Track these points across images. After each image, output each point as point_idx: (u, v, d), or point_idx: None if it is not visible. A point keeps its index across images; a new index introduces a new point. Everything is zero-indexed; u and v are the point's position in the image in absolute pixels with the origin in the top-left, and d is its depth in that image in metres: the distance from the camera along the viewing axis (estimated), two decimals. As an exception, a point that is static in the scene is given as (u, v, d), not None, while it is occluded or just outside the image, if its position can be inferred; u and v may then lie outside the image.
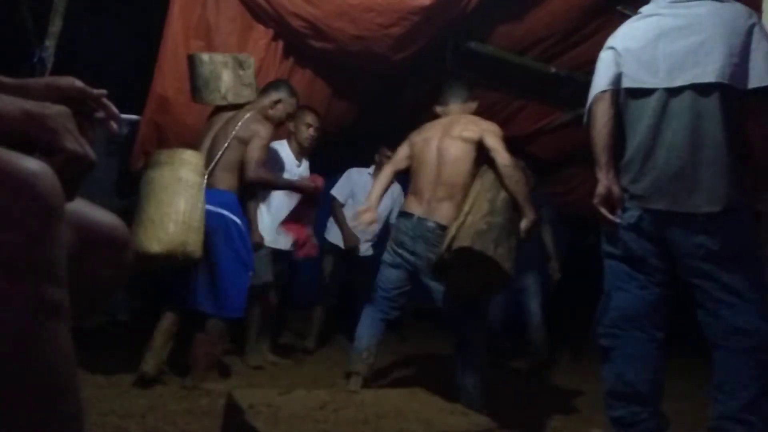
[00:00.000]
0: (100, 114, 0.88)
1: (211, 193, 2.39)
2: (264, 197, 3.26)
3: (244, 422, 1.36)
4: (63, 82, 0.83)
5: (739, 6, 1.77)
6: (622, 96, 1.83)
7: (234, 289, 2.41)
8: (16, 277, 0.55)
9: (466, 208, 2.25)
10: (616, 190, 1.81)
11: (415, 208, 2.43)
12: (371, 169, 3.88)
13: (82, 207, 0.79)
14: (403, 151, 2.61)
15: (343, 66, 3.29)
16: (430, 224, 2.37)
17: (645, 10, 1.88)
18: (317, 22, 2.92)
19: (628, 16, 3.01)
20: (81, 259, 0.76)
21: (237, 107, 2.67)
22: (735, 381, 1.65)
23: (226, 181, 2.48)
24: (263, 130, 2.50)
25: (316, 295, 3.84)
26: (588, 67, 3.51)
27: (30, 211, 0.56)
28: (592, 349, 4.26)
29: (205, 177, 2.38)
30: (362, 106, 3.83)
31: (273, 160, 3.34)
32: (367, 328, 2.50)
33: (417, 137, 2.58)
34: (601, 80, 1.85)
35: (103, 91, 0.87)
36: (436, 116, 2.65)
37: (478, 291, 2.32)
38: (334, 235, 3.81)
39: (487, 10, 2.97)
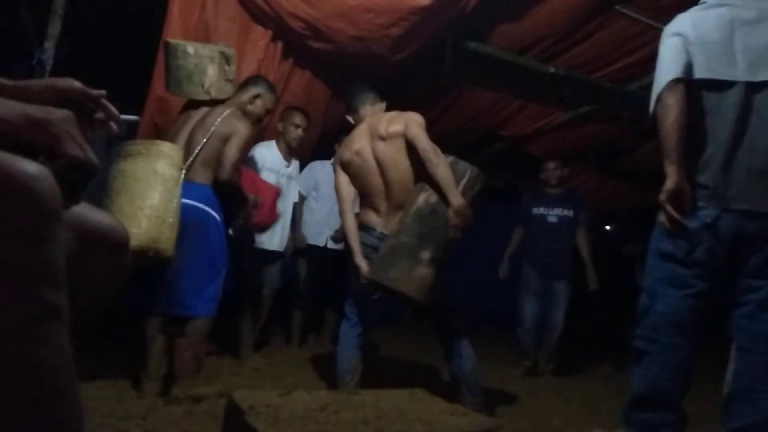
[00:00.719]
0: (100, 115, 0.88)
1: (190, 187, 2.29)
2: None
3: (245, 423, 1.36)
4: (62, 83, 0.84)
5: None
6: (695, 88, 1.72)
7: (210, 287, 2.32)
8: (16, 280, 0.55)
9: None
10: (687, 187, 1.69)
11: (376, 223, 2.36)
12: (333, 160, 3.71)
13: (81, 209, 0.79)
14: (343, 179, 2.45)
15: (342, 67, 3.29)
16: None
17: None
18: (316, 23, 2.92)
19: (628, 16, 3.04)
20: (80, 261, 0.76)
21: (215, 101, 2.55)
22: (760, 389, 1.62)
23: (205, 175, 2.38)
24: (243, 128, 2.39)
25: (290, 300, 3.78)
26: (588, 67, 3.54)
27: (29, 214, 0.56)
28: (593, 349, 4.26)
29: (183, 171, 2.26)
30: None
31: (261, 161, 3.38)
32: (347, 348, 2.40)
33: (346, 155, 2.44)
34: (672, 67, 1.72)
35: (103, 92, 0.87)
36: (352, 128, 2.56)
37: (416, 300, 2.20)
38: (307, 233, 3.74)
39: (486, 10, 2.97)
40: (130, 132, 3.17)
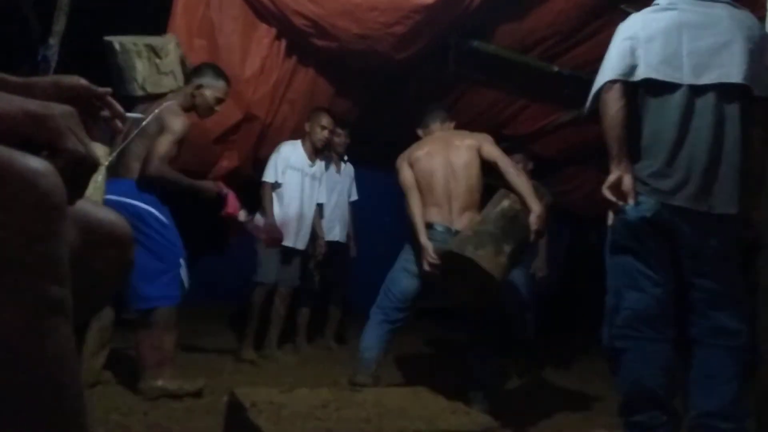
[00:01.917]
0: (105, 112, 0.88)
1: (115, 182, 2.26)
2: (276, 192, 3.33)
3: (247, 420, 1.36)
4: (67, 80, 0.84)
5: (750, 14, 1.82)
6: (641, 87, 1.78)
7: (162, 278, 2.27)
8: (19, 275, 0.56)
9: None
10: (627, 180, 1.75)
11: (442, 220, 2.47)
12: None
13: (84, 205, 0.79)
14: (407, 172, 2.57)
15: (345, 65, 3.29)
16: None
17: (661, 2, 1.85)
18: (320, 21, 2.92)
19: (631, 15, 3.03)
20: (84, 257, 0.76)
21: (156, 96, 2.49)
22: (718, 378, 1.68)
23: (133, 170, 2.31)
24: (177, 124, 2.30)
25: (299, 296, 3.74)
26: (592, 66, 3.51)
27: (33, 210, 0.56)
28: (593, 349, 4.25)
29: (102, 167, 2.15)
30: (365, 105, 3.83)
31: (285, 159, 3.40)
32: (377, 338, 2.45)
33: (417, 152, 2.59)
34: (612, 68, 1.80)
35: (108, 90, 0.88)
36: (417, 137, 2.76)
37: (474, 297, 2.35)
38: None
39: (489, 9, 2.97)
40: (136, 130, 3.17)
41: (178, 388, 2.22)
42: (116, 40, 2.50)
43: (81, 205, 0.72)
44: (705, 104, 1.73)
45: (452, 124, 2.79)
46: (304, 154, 3.48)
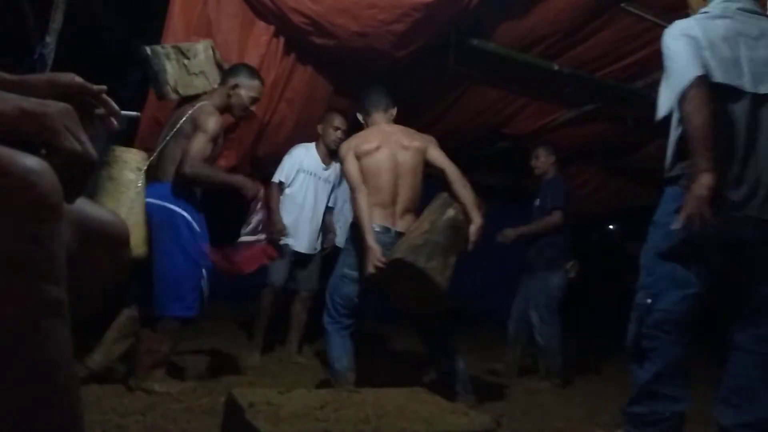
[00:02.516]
0: (101, 110, 0.88)
1: (154, 186, 2.30)
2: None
3: (245, 421, 1.35)
4: (63, 78, 0.83)
5: None
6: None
7: (184, 287, 2.29)
8: (16, 275, 0.55)
9: (409, 232, 2.36)
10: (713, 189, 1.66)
11: (383, 220, 2.43)
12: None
13: (81, 205, 0.78)
14: (354, 165, 2.47)
15: (344, 63, 3.28)
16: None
17: (712, 10, 1.82)
18: (319, 19, 2.90)
19: (633, 13, 3.02)
20: (81, 256, 0.75)
21: (191, 98, 2.52)
22: (759, 388, 1.70)
23: (170, 173, 2.35)
24: (210, 123, 2.33)
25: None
26: (592, 65, 3.52)
27: (30, 209, 0.56)
28: (594, 348, 4.25)
29: (141, 172, 2.25)
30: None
31: (298, 162, 3.38)
32: (341, 347, 2.47)
33: (364, 145, 2.49)
34: (693, 64, 1.70)
35: (104, 87, 0.87)
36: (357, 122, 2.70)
37: (416, 306, 2.35)
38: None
39: (490, 7, 2.95)
40: (131, 128, 3.16)
41: (165, 392, 2.23)
42: (149, 47, 2.56)
43: (78, 204, 0.72)
44: (765, 113, 1.74)
45: (394, 111, 2.69)
46: (317, 157, 3.44)
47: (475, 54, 3.34)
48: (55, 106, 0.63)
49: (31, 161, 0.57)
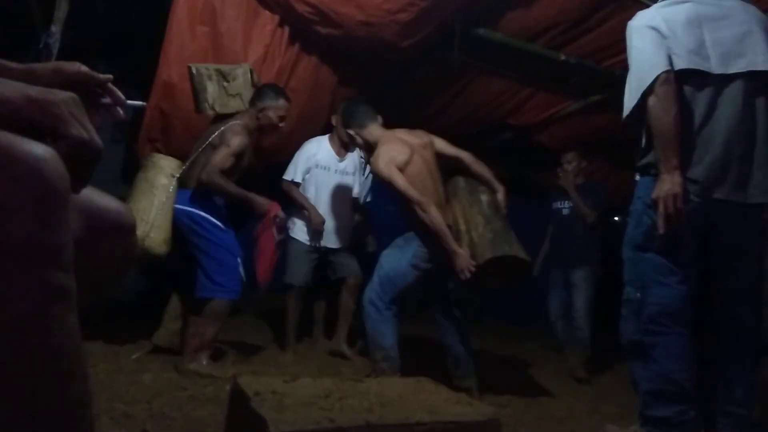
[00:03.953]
0: (106, 99, 0.88)
1: (183, 193, 2.59)
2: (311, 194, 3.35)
3: (250, 409, 1.36)
4: (69, 67, 0.83)
5: (755, 7, 1.84)
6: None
7: (222, 274, 2.53)
8: (24, 263, 0.55)
9: (462, 227, 2.51)
10: (681, 191, 1.67)
11: (447, 220, 2.54)
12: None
13: (88, 193, 0.78)
14: (403, 180, 2.48)
15: (349, 53, 3.26)
16: None
17: None
18: (323, 8, 2.89)
19: (640, 2, 2.98)
20: (87, 244, 0.75)
21: (226, 116, 2.77)
22: (740, 370, 1.73)
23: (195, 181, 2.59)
24: (235, 140, 2.56)
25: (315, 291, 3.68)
26: (599, 55, 3.49)
27: (36, 197, 0.56)
28: (597, 341, 4.26)
29: (174, 178, 2.59)
30: (369, 94, 3.80)
31: (312, 157, 3.37)
32: (394, 333, 2.55)
33: (398, 157, 2.53)
34: (658, 58, 1.72)
35: (109, 77, 0.87)
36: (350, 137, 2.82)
37: (508, 281, 2.56)
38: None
39: (496, -4, 2.93)
40: (137, 117, 3.16)
41: (208, 374, 2.40)
42: (194, 66, 2.80)
43: (85, 192, 0.72)
44: (734, 93, 1.72)
45: (380, 120, 2.82)
46: (331, 150, 3.40)
47: (480, 44, 3.32)
48: (61, 95, 0.63)
49: (37, 148, 0.57)
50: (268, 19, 3.04)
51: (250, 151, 2.70)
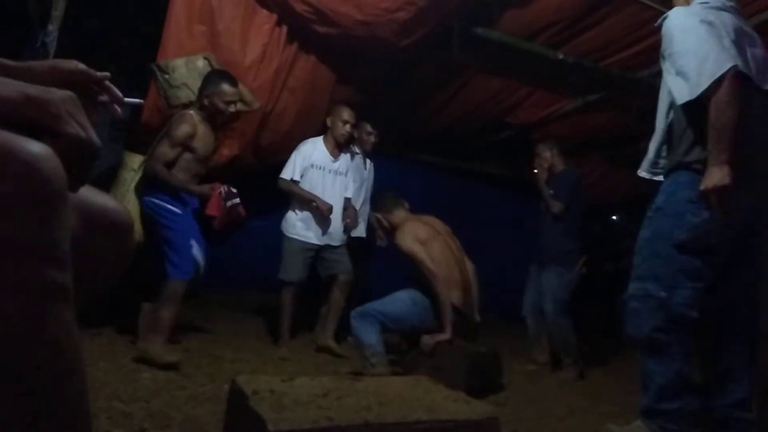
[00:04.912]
0: (104, 97, 0.87)
1: (142, 184, 2.71)
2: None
3: (248, 408, 1.36)
4: (66, 65, 0.82)
5: None
6: None
7: (175, 255, 2.59)
8: (21, 261, 0.55)
9: None
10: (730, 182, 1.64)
11: (464, 305, 2.86)
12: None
13: (85, 191, 0.78)
14: (423, 251, 2.82)
15: (347, 52, 3.26)
16: None
17: (711, 1, 1.79)
18: (321, 7, 2.88)
19: (638, 2, 2.99)
20: (85, 243, 0.75)
21: (183, 106, 2.84)
22: (742, 369, 1.76)
23: None
24: (176, 130, 2.62)
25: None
26: (597, 53, 3.50)
27: (34, 195, 0.56)
28: (595, 338, 4.26)
29: (134, 172, 2.77)
30: (367, 93, 3.80)
31: (307, 158, 3.38)
32: (378, 332, 2.73)
33: (420, 233, 2.89)
34: (724, 53, 1.65)
35: (107, 74, 0.86)
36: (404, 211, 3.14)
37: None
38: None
39: (494, -5, 2.93)
40: (134, 115, 3.16)
41: (157, 357, 2.41)
42: (152, 65, 2.90)
43: (83, 191, 0.72)
44: (765, 108, 1.75)
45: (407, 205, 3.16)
46: (325, 151, 3.43)
47: (479, 42, 3.32)
48: (58, 93, 0.63)
49: (34, 146, 0.57)
50: (265, 18, 3.03)
51: (206, 138, 2.72)
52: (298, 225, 3.36)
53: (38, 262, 0.56)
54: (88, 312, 0.77)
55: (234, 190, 2.79)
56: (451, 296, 2.76)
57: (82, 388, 0.62)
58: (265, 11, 3.02)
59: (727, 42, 1.68)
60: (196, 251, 2.64)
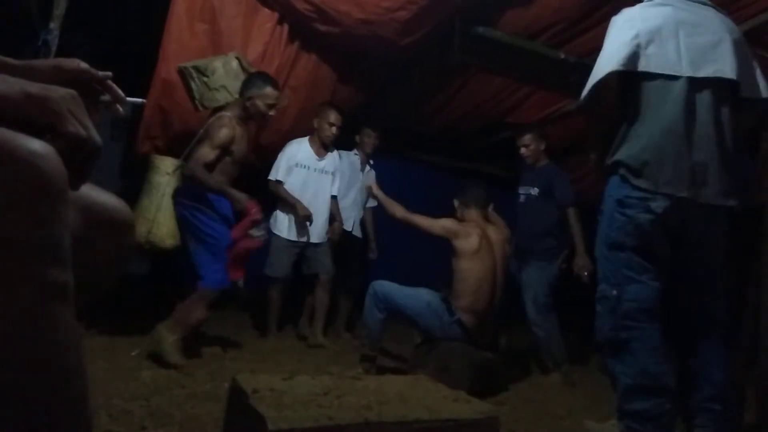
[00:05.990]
0: (106, 97, 0.87)
1: (178, 187, 2.74)
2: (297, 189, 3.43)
3: (248, 406, 1.37)
4: (68, 64, 0.83)
5: (729, 19, 1.92)
6: (643, 79, 1.80)
7: (206, 267, 2.61)
8: (22, 259, 0.55)
9: None
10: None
11: (472, 326, 2.82)
12: (355, 151, 3.86)
13: (86, 190, 0.78)
14: (465, 241, 2.87)
15: (349, 51, 3.26)
16: None
17: None
18: (323, 6, 2.88)
19: (640, 1, 2.98)
20: (86, 241, 0.75)
21: (217, 110, 2.81)
22: (714, 367, 1.78)
23: None
24: (218, 133, 2.61)
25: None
26: (598, 53, 3.47)
27: (35, 193, 0.56)
28: (590, 342, 4.26)
29: (168, 176, 2.77)
30: (368, 92, 3.80)
31: (292, 157, 3.46)
32: (381, 321, 2.85)
33: (471, 237, 2.86)
34: (617, 58, 1.78)
35: (109, 74, 0.87)
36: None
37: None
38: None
39: (495, -5, 2.93)
40: (136, 114, 3.16)
41: (166, 353, 2.44)
42: (181, 66, 2.85)
43: (84, 189, 0.72)
44: (703, 97, 1.78)
45: (491, 207, 3.09)
46: (310, 150, 3.51)
47: (480, 42, 3.31)
48: (59, 91, 0.63)
49: (35, 145, 0.57)
50: (267, 17, 3.04)
51: (242, 141, 2.72)
52: (284, 223, 3.45)
53: (39, 260, 0.56)
54: (88, 311, 0.77)
55: (261, 220, 2.75)
56: (464, 317, 2.77)
57: (83, 386, 0.62)
58: (266, 10, 3.03)
59: (629, 49, 1.77)
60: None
